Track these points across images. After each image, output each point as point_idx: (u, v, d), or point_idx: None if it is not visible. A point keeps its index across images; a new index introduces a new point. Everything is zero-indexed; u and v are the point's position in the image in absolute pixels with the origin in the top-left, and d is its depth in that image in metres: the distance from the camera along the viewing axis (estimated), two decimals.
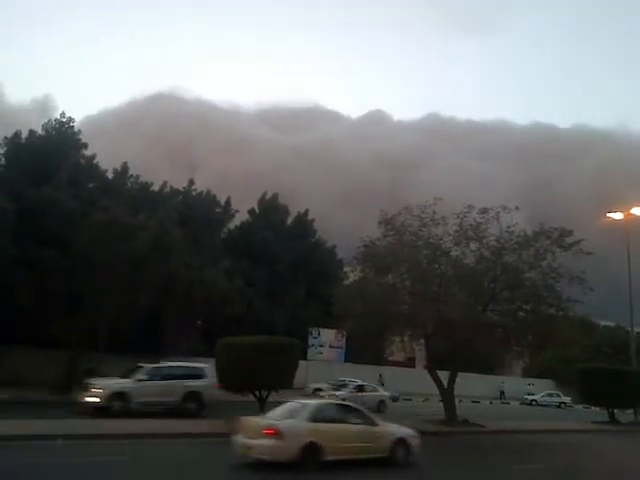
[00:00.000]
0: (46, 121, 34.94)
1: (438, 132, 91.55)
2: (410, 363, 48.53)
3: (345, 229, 50.74)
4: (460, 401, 31.01)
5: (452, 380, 25.98)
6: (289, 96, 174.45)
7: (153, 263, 28.76)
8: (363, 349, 36.53)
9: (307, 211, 45.91)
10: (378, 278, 25.13)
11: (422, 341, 26.63)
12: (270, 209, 44.13)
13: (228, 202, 41.50)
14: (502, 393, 52.30)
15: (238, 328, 29.03)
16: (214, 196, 40.51)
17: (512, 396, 50.92)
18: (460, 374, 27.04)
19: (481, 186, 65.39)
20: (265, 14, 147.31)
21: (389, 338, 28.06)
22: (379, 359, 42.38)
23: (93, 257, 27.59)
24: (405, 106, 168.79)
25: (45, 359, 28.20)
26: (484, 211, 23.99)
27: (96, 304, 27.63)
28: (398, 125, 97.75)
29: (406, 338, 26.93)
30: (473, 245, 24.50)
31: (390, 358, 43.53)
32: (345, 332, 37.96)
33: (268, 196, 44.83)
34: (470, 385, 42.40)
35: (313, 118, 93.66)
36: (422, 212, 24.21)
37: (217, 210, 40.70)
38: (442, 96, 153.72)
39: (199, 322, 34.67)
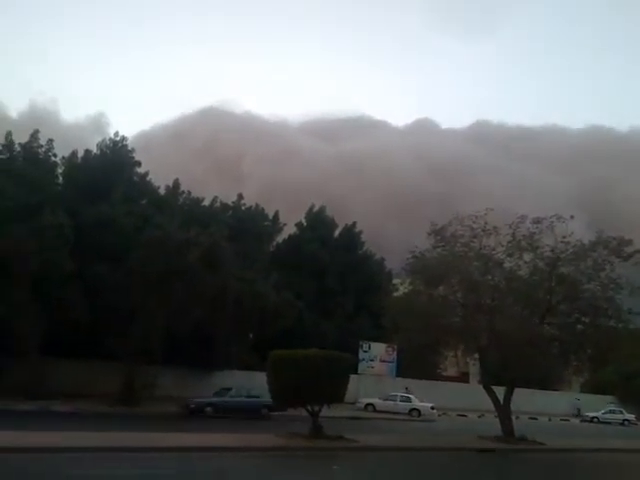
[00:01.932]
0: (101, 140, 36.17)
1: (488, 139, 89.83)
2: (464, 378, 47.40)
3: (394, 240, 50.33)
4: (517, 417, 29.98)
5: (508, 395, 25.15)
6: (335, 107, 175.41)
7: (205, 277, 29.22)
8: (415, 363, 35.91)
9: (355, 223, 45.78)
10: (428, 290, 24.69)
11: (476, 355, 25.96)
12: (318, 221, 44.22)
13: (276, 215, 41.89)
14: (578, 410, 49.59)
15: (288, 341, 29.05)
16: (263, 210, 40.95)
17: (570, 413, 48.90)
18: (517, 389, 26.13)
19: (535, 194, 63.57)
20: (311, 28, 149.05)
21: (442, 352, 27.44)
22: (431, 374, 41.56)
23: (147, 272, 28.24)
24: (453, 114, 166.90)
25: (103, 372, 28.92)
26: (538, 221, 23.28)
27: (150, 318, 28.17)
28: (446, 133, 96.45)
29: (459, 352, 26.28)
30: (527, 256, 23.83)
31: (443, 373, 42.60)
32: (396, 346, 37.44)
33: (315, 208, 44.92)
34: (529, 401, 40.99)
35: (360, 128, 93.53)
36: (473, 222, 23.68)
37: (266, 223, 41.11)
38: (491, 102, 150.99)
39: (250, 335, 34.88)
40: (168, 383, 30.04)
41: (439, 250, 24.37)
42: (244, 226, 38.15)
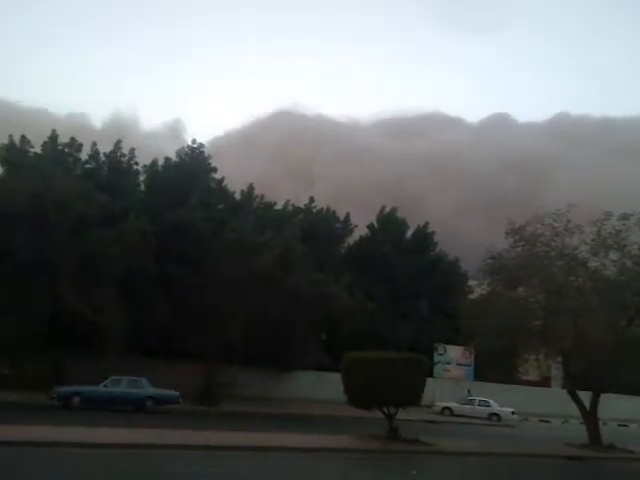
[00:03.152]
0: (179, 148, 37.83)
1: (569, 133, 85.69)
2: (545, 382, 45.48)
3: (469, 240, 49.00)
4: (604, 424, 28.41)
5: (595, 401, 23.92)
6: (407, 105, 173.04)
7: (279, 279, 29.74)
8: (493, 367, 34.84)
9: (427, 224, 45.00)
10: (507, 292, 23.87)
11: (558, 359, 24.85)
12: (389, 223, 43.85)
13: (347, 217, 41.97)
14: None
15: (361, 343, 28.99)
16: (334, 212, 41.14)
17: None
18: (604, 395, 24.78)
19: (621, 189, 60.03)
20: (379, 27, 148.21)
21: (522, 356, 26.44)
22: (511, 378, 40.17)
23: (224, 274, 29.08)
24: (531, 108, 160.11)
25: (184, 372, 29.87)
26: (625, 217, 21.99)
27: (228, 319, 28.94)
28: (525, 127, 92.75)
29: (541, 356, 25.23)
30: (613, 255, 22.58)
31: (524, 377, 41.05)
32: (473, 349, 36.43)
33: (387, 209, 44.57)
34: (617, 407, 38.74)
35: (433, 125, 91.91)
36: (554, 220, 22.69)
37: (337, 225, 41.27)
38: (572, 94, 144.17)
39: (323, 336, 35.11)
40: (246, 383, 30.70)
41: (518, 250, 23.50)
42: (316, 228, 38.52)
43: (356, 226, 42.23)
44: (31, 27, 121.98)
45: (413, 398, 20.41)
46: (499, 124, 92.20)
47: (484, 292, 25.63)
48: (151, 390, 24.73)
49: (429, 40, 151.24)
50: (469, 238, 51.00)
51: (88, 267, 26.72)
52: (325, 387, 33.73)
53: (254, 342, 29.66)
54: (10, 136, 32.11)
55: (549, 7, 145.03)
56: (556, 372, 33.00)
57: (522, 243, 23.37)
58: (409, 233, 44.55)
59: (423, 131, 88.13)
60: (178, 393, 25.28)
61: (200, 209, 32.83)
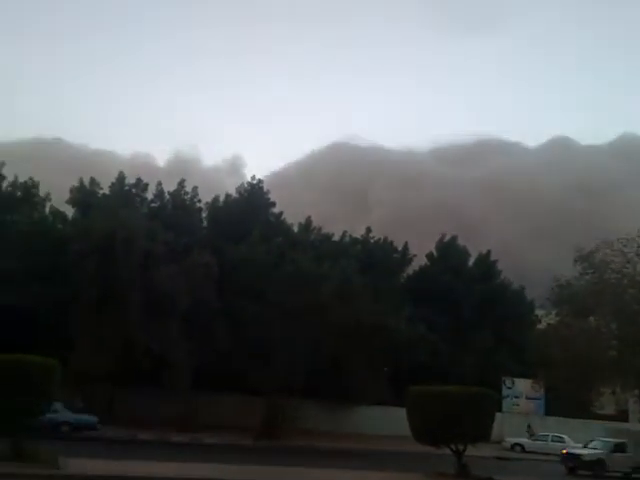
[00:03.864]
0: (239, 184, 39.08)
1: (636, 153, 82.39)
2: (622, 416, 42.79)
3: (534, 267, 47.50)
4: None
5: None
6: (463, 132, 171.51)
7: (337, 311, 29.69)
8: (565, 401, 33.24)
9: (489, 252, 43.91)
10: (577, 322, 22.88)
11: (636, 392, 23.46)
12: (449, 251, 43.07)
13: (406, 247, 41.47)
14: None
15: (424, 376, 28.37)
16: (392, 242, 40.83)
17: None
18: None
19: None
20: (431, 55, 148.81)
21: (597, 389, 25.13)
22: (585, 412, 38.08)
23: (284, 306, 29.34)
24: (593, 129, 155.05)
25: (247, 405, 30.12)
26: None
27: (290, 351, 29.04)
28: (587, 150, 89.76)
29: (617, 389, 23.89)
30: None
31: (599, 411, 38.82)
32: (543, 382, 34.92)
33: (446, 238, 43.87)
34: None
35: (490, 150, 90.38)
36: (624, 246, 21.74)
37: (395, 256, 40.90)
38: (635, 114, 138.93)
39: (385, 369, 34.55)
40: (308, 417, 30.53)
41: (587, 277, 22.57)
42: (373, 259, 38.29)
43: (415, 255, 41.65)
44: (95, 73, 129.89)
45: (482, 434, 19.66)
46: (560, 147, 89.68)
47: (552, 322, 24.69)
48: (68, 415, 23.78)
49: (484, 65, 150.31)
50: (534, 265, 49.49)
51: (154, 302, 27.57)
52: (388, 421, 33.07)
53: (315, 375, 29.58)
54: (80, 178, 33.98)
55: (600, 27, 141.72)
56: (635, 406, 31.03)
57: (591, 270, 22.47)
58: (471, 262, 43.58)
59: (481, 157, 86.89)
60: (96, 419, 24.29)
61: (260, 243, 33.44)
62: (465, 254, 43.47)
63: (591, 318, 22.88)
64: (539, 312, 32.77)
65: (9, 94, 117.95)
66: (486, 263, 43.40)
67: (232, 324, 30.16)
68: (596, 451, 26.12)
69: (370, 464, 21.62)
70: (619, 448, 25.90)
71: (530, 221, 67.05)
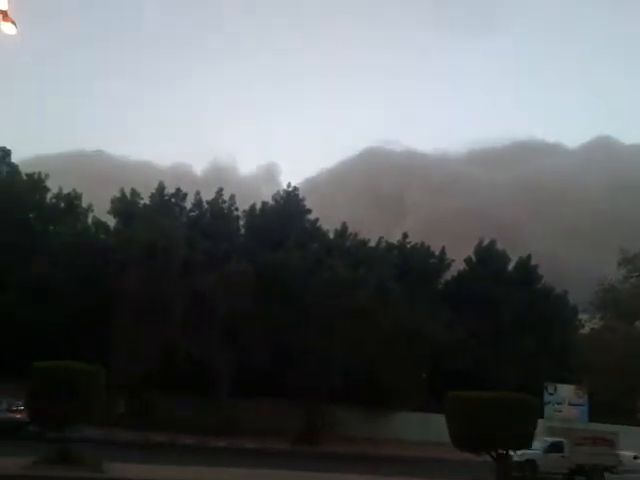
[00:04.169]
0: (275, 191, 39.58)
1: None
2: None
3: (577, 271, 46.23)
4: None
5: None
6: (499, 134, 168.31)
7: (374, 317, 29.61)
8: (610, 407, 32.23)
9: (530, 256, 42.99)
10: (622, 326, 22.27)
11: None
12: (488, 256, 42.43)
13: (443, 251, 41.09)
14: None
15: (464, 381, 27.99)
16: (428, 247, 40.50)
17: None
18: None
19: None
20: (464, 57, 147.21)
21: None
22: (631, 419, 36.85)
23: (321, 312, 29.42)
24: (636, 128, 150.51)
25: (285, 410, 30.26)
26: None
27: (327, 357, 29.09)
28: (631, 149, 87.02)
29: None
30: None
31: None
32: (586, 387, 33.99)
33: (485, 242, 43.23)
34: None
35: (530, 152, 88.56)
36: None
37: (432, 261, 40.54)
38: None
39: (424, 375, 34.24)
40: (347, 422, 30.47)
41: (632, 281, 22.00)
42: (410, 264, 38.08)
43: (453, 260, 41.20)
44: (134, 87, 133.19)
45: (524, 441, 19.25)
46: (602, 147, 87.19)
47: (596, 326, 24.10)
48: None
49: (519, 65, 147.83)
50: (576, 269, 48.13)
51: (194, 309, 28.07)
52: (427, 428, 32.76)
53: (353, 381, 29.54)
54: (121, 189, 34.93)
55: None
56: None
57: (636, 273, 21.90)
58: (510, 266, 42.82)
59: (518, 159, 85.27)
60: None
61: (296, 249, 33.68)
62: (505, 258, 42.75)
63: (637, 322, 22.21)
64: (582, 316, 31.92)
65: (52, 108, 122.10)
66: (526, 267, 42.54)
67: (270, 330, 30.40)
68: (528, 452, 23.54)
69: (409, 471, 21.51)
70: (555, 448, 24.15)
71: (571, 224, 65.34)
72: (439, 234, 49.07)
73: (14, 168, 33.80)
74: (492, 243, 43.08)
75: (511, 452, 22.80)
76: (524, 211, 67.94)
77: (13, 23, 18.01)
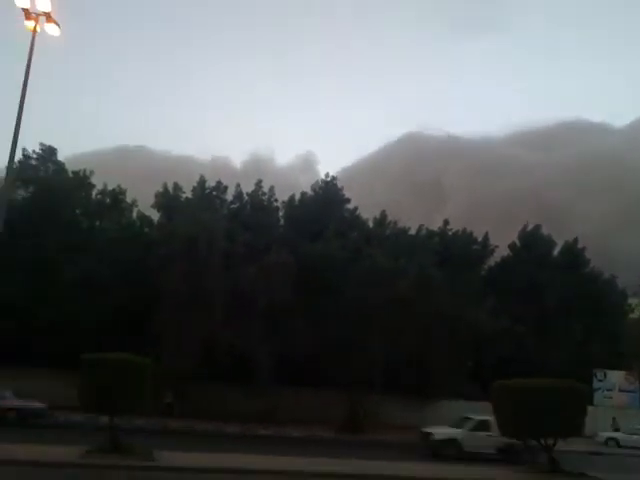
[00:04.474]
0: (313, 181, 39.53)
1: None
2: None
3: (626, 255, 44.74)
4: None
5: None
6: (544, 115, 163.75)
7: (416, 305, 29.39)
8: None
9: (576, 239, 41.75)
10: None
11: None
12: (533, 241, 41.40)
13: (486, 237, 40.31)
14: None
15: (509, 369, 27.60)
16: (471, 233, 39.81)
17: None
18: None
19: None
20: (506, 37, 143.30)
21: None
22: None
23: (361, 301, 29.40)
24: None
25: (325, 399, 30.48)
26: None
27: (368, 347, 29.10)
28: None
29: None
30: None
31: None
32: (637, 373, 33.01)
33: (529, 227, 42.19)
34: None
35: (575, 133, 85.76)
36: None
37: (475, 247, 39.87)
38: None
39: (468, 363, 33.85)
40: (389, 411, 30.47)
41: None
42: (452, 251, 37.54)
43: (496, 246, 40.37)
44: (173, 83, 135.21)
45: (572, 428, 18.94)
46: None
47: None
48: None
49: (563, 43, 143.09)
50: (624, 252, 46.59)
51: (236, 301, 28.48)
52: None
53: (396, 370, 29.49)
54: (164, 183, 35.60)
55: None
56: None
57: None
58: (556, 250, 41.71)
59: (565, 140, 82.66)
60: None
61: (336, 239, 33.69)
62: (550, 243, 41.65)
63: None
64: (632, 301, 30.93)
65: (94, 106, 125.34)
66: (573, 252, 41.35)
67: (311, 320, 30.58)
68: (450, 430, 23.37)
69: (455, 458, 21.41)
70: (482, 427, 22.77)
71: (618, 205, 63.04)
72: (481, 220, 48.21)
73: (60, 166, 34.77)
74: (537, 227, 42.01)
75: (433, 430, 23.06)
76: (570, 193, 65.95)
77: (56, 24, 18.71)
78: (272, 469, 15.96)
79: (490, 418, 22.23)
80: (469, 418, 23.79)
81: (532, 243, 41.31)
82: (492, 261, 41.25)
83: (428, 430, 23.41)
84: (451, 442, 22.57)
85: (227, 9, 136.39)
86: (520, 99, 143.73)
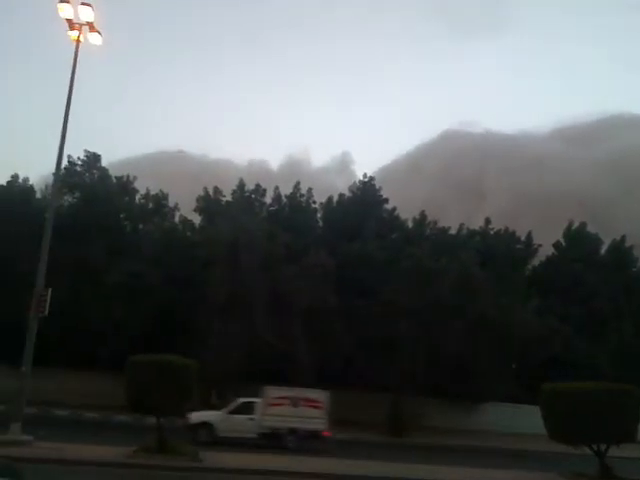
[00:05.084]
0: (351, 183, 39.54)
1: None
2: None
3: None
4: None
5: None
6: (586, 109, 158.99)
7: (459, 306, 28.91)
8: None
9: (624, 237, 40.37)
10: None
11: None
12: (579, 239, 40.25)
13: (529, 236, 39.40)
14: None
15: (557, 371, 26.86)
16: (513, 232, 38.98)
17: None
18: None
19: None
20: (548, 30, 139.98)
21: None
22: None
23: (401, 303, 29.08)
24: None
25: (367, 401, 30.20)
26: None
27: (409, 348, 28.75)
28: None
29: None
30: None
31: None
32: None
33: (575, 225, 41.03)
34: None
35: (619, 126, 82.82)
36: None
37: (518, 246, 39.00)
38: None
39: (513, 366, 33.06)
40: (434, 414, 30.02)
41: None
42: (494, 251, 36.79)
43: (540, 245, 39.40)
44: (210, 88, 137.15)
45: (625, 434, 18.21)
46: None
47: None
48: None
49: (601, 38, 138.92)
50: None
51: (277, 302, 28.58)
52: (517, 419, 31.77)
53: (439, 372, 29.03)
54: (205, 187, 36.10)
55: None
56: None
57: None
58: (603, 249, 40.44)
59: (608, 134, 79.99)
60: None
61: (375, 240, 33.48)
62: (596, 241, 40.45)
63: None
64: None
65: (133, 112, 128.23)
66: (620, 250, 40.03)
67: (351, 322, 30.44)
68: (205, 413, 21.79)
69: (499, 463, 20.96)
70: (243, 409, 21.56)
71: None
72: (523, 218, 47.15)
73: (104, 172, 35.62)
74: (582, 225, 40.84)
75: (189, 414, 20.22)
76: (616, 190, 63.80)
77: (99, 33, 19.18)
78: (319, 472, 15.85)
79: (256, 400, 21.41)
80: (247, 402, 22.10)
81: (578, 242, 40.19)
82: (536, 261, 40.28)
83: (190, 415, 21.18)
84: (204, 426, 21.06)
85: (260, 12, 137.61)
86: (562, 93, 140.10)
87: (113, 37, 19.82)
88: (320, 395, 22.22)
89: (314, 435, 21.30)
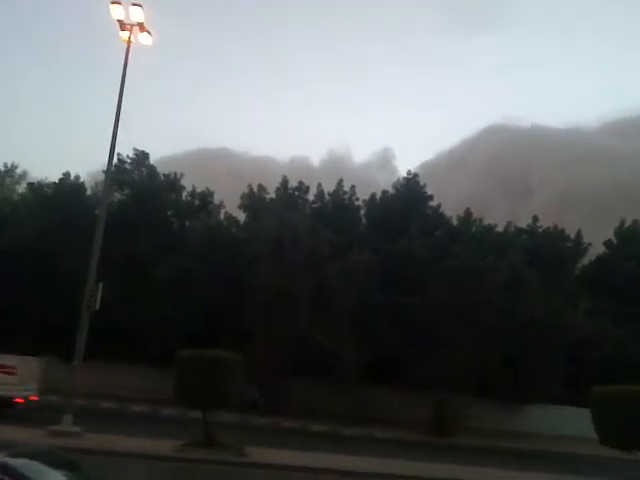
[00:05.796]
0: (394, 179, 39.27)
1: None
2: None
3: None
4: None
5: None
6: (637, 102, 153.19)
7: (506, 305, 28.29)
8: None
9: None
10: None
11: None
12: (631, 237, 38.75)
13: (579, 234, 38.16)
14: None
15: (609, 373, 25.95)
16: (562, 230, 37.83)
17: None
18: None
19: None
20: (593, 20, 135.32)
21: None
22: None
23: (447, 302, 28.65)
24: None
25: (412, 400, 29.94)
26: None
27: (456, 347, 28.30)
28: None
29: None
30: None
31: None
32: None
33: (627, 222, 39.53)
34: None
35: None
36: None
37: (567, 245, 37.84)
38: None
39: (564, 367, 32.13)
40: (479, 415, 29.51)
41: None
42: (542, 249, 35.75)
43: (589, 244, 38.14)
44: (252, 85, 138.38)
45: None
46: None
47: None
48: None
49: None
50: None
51: (321, 299, 28.60)
52: (566, 422, 30.89)
53: (486, 372, 28.49)
54: (249, 185, 36.45)
55: None
56: None
57: None
58: None
59: None
60: None
61: (419, 237, 33.10)
62: None
63: None
64: None
65: (178, 109, 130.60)
66: None
67: (396, 319, 30.21)
68: None
69: (550, 466, 20.56)
70: None
71: None
72: (572, 215, 45.81)
73: (152, 169, 36.38)
74: (635, 223, 39.31)
75: None
76: None
77: (149, 33, 19.57)
78: (364, 471, 15.82)
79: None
80: None
81: (630, 240, 38.70)
82: (586, 259, 39.03)
83: None
84: None
85: (306, 8, 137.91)
86: (610, 86, 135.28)
87: (158, 35, 20.13)
88: (11, 360, 20.62)
89: (5, 403, 19.67)
